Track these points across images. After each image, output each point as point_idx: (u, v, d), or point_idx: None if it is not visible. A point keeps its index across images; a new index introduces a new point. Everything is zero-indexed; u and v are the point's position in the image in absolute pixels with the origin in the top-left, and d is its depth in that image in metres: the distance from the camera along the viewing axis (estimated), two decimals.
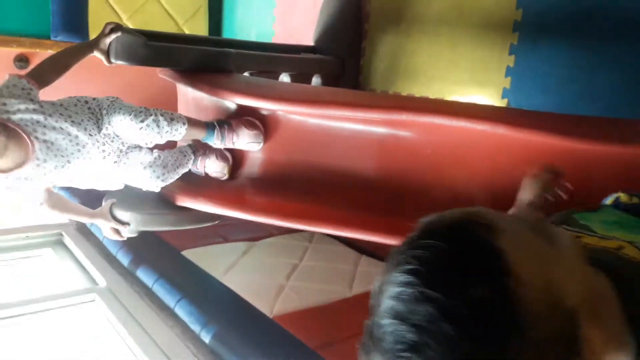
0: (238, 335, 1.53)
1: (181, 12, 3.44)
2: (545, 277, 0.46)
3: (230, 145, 1.65)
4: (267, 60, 2.05)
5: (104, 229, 1.68)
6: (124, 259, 2.13)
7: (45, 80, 1.46)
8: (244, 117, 1.64)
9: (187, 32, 3.49)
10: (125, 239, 1.69)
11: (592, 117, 1.57)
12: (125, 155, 1.56)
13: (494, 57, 2.01)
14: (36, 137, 1.34)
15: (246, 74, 1.95)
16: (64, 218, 2.71)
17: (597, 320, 0.49)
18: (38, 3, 2.97)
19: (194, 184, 1.69)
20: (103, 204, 1.69)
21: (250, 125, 1.63)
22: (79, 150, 1.44)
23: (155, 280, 1.92)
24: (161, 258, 2.10)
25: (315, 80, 2.43)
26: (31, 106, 1.35)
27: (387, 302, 0.46)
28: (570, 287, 0.48)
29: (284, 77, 2.25)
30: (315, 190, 1.57)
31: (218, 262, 2.21)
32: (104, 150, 1.51)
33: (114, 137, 1.52)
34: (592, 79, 1.76)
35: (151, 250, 2.13)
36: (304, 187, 1.58)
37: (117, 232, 1.67)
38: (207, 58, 1.62)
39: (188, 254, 2.24)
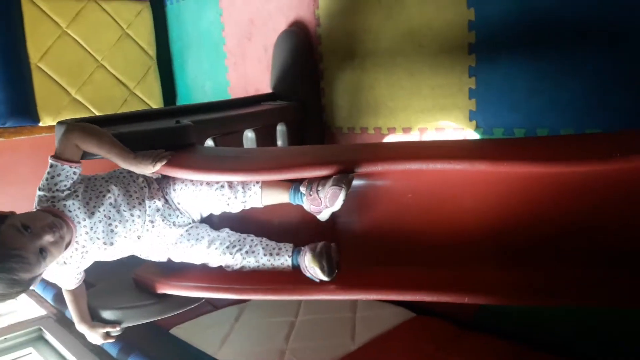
0: None
1: (131, 76, 3.37)
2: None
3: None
4: (227, 121, 1.99)
5: (92, 338, 1.60)
6: (112, 349, 2.02)
7: (76, 155, 1.45)
8: None
9: (139, 94, 3.41)
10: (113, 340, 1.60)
11: (570, 135, 1.56)
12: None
13: (454, 81, 2.00)
14: (79, 222, 1.40)
15: (209, 140, 1.89)
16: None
17: None
18: None
19: (170, 267, 1.61)
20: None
21: None
22: (112, 231, 1.45)
23: None
24: (151, 342, 2.00)
25: (280, 127, 2.39)
26: (73, 193, 1.41)
27: None
28: None
29: (249, 133, 2.19)
30: None
31: (211, 334, 2.11)
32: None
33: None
34: (556, 89, 1.76)
35: (139, 335, 2.02)
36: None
37: (108, 335, 1.58)
38: (165, 136, 1.55)
39: (178, 331, 2.14)
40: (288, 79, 2.52)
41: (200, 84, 3.38)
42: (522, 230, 1.38)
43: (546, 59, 1.77)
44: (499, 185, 1.38)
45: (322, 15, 2.42)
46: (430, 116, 2.10)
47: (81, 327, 1.57)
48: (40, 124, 2.99)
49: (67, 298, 1.55)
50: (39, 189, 1.40)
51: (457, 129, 2.02)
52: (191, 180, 1.53)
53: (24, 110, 2.94)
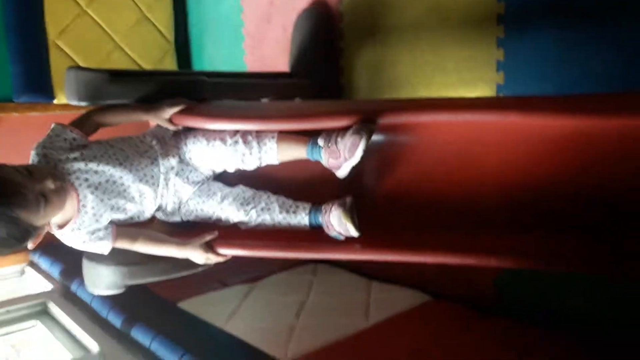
0: None
1: (148, 59, 3.33)
2: None
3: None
4: (243, 86, 1.93)
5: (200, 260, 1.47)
6: (116, 320, 1.97)
7: (89, 130, 1.45)
8: None
9: None
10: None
11: (605, 93, 1.47)
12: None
13: (481, 54, 1.92)
14: (80, 185, 1.32)
15: None
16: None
17: None
18: None
19: (181, 226, 1.54)
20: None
21: None
22: (125, 190, 1.38)
23: (153, 338, 1.75)
24: (156, 313, 1.94)
25: None
26: (72, 155, 1.33)
27: None
28: None
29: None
30: None
31: (219, 309, 2.03)
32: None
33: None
34: (587, 59, 1.67)
35: (144, 307, 1.97)
36: None
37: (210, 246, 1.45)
38: (179, 88, 1.49)
39: (185, 305, 2.07)
40: (306, 58, 2.46)
41: (217, 68, 3.33)
42: (543, 194, 1.29)
43: (577, 29, 1.69)
44: (525, 147, 1.29)
45: None
46: (455, 91, 2.02)
47: (184, 252, 1.44)
48: (55, 102, 2.95)
49: (146, 248, 1.45)
50: (33, 149, 1.33)
51: None
52: (204, 135, 1.47)
53: (40, 86, 2.90)
